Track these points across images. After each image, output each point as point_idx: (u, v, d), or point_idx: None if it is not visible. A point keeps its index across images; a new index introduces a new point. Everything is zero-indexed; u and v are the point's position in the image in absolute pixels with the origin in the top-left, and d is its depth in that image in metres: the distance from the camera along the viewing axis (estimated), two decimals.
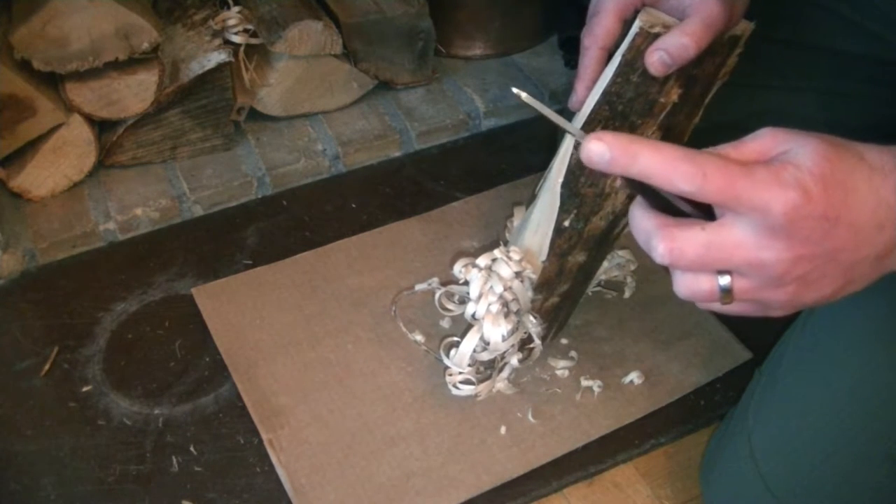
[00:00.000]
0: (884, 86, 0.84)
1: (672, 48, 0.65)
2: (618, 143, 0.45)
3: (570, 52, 1.22)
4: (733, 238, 0.46)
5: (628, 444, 0.82)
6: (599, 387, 0.85)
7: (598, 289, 0.92)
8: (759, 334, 0.86)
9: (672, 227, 0.47)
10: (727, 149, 0.48)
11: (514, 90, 0.52)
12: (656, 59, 0.66)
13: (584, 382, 0.85)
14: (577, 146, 0.74)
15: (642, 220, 0.48)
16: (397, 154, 1.13)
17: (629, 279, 0.92)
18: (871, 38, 0.81)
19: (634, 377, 0.86)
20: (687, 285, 0.49)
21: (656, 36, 0.66)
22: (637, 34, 0.67)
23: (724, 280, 0.48)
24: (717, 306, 0.50)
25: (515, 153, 1.13)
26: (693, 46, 0.64)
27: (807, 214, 0.45)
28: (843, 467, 0.62)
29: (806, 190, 0.44)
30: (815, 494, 0.64)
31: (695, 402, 0.85)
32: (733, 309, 0.50)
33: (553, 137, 0.76)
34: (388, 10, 1.10)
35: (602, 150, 0.45)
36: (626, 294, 0.93)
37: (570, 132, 0.52)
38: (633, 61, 0.68)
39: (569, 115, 0.76)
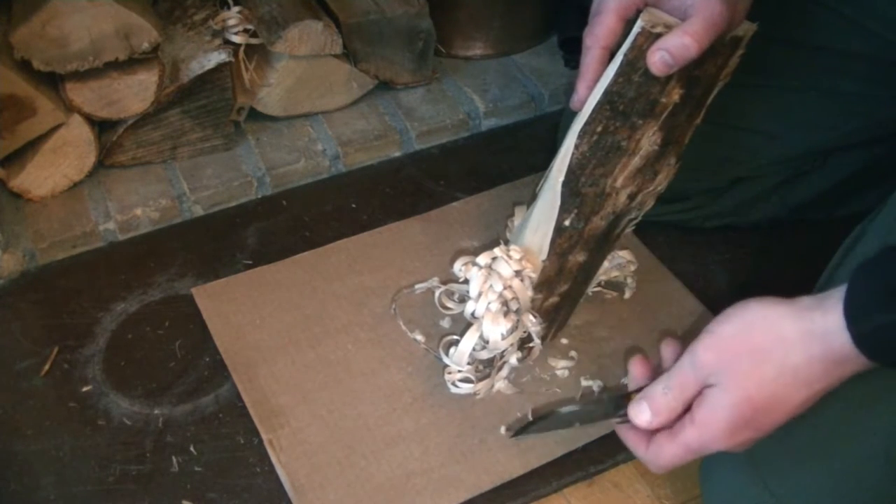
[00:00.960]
0: (884, 86, 0.84)
1: (674, 48, 0.65)
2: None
3: (570, 52, 1.22)
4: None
5: None
6: (599, 387, 0.85)
7: (598, 289, 0.92)
8: None
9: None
10: (679, 382, 0.60)
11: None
12: (658, 59, 0.66)
13: (584, 382, 0.85)
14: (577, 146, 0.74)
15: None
16: (397, 154, 1.14)
17: (629, 279, 0.92)
18: (871, 38, 0.81)
19: None
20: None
21: (658, 36, 0.66)
22: (639, 34, 0.67)
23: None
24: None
25: (515, 153, 1.13)
26: (695, 46, 0.64)
27: (742, 439, 0.58)
28: (842, 467, 0.62)
29: (733, 433, 0.58)
30: (813, 495, 0.64)
31: None
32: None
33: (553, 137, 0.76)
34: (388, 10, 1.10)
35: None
36: (626, 294, 0.93)
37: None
38: (635, 61, 0.68)
39: (570, 114, 0.76)
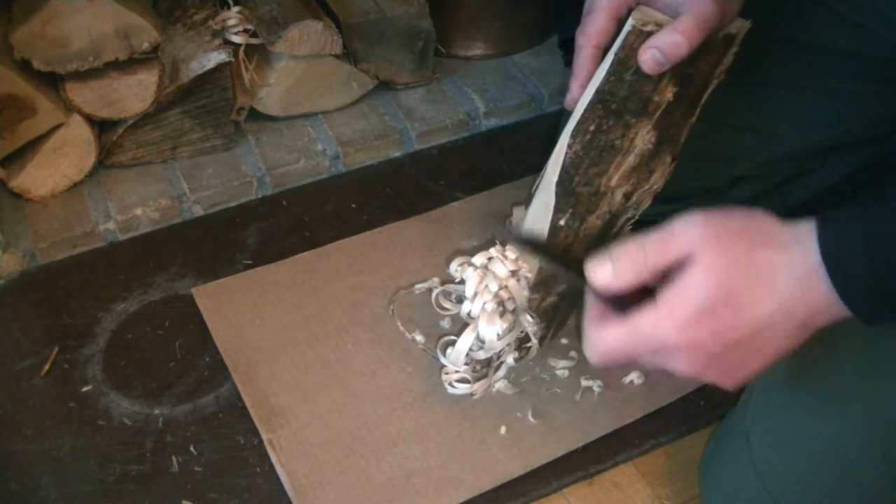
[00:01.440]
0: (884, 85, 0.84)
1: (665, 46, 0.65)
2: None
3: (570, 52, 1.21)
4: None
5: (628, 444, 0.82)
6: (599, 387, 0.85)
7: None
8: None
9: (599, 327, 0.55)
10: (655, 244, 0.53)
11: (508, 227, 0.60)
12: (649, 57, 0.66)
13: (584, 382, 0.85)
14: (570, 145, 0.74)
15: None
16: (397, 154, 1.14)
17: None
18: (870, 38, 0.81)
19: (634, 377, 0.86)
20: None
21: (649, 34, 0.66)
22: (630, 32, 0.67)
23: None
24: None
25: (515, 153, 1.13)
26: (686, 44, 0.64)
27: (697, 341, 0.52)
28: (840, 468, 0.62)
29: (689, 325, 0.51)
30: (812, 495, 0.64)
31: (695, 402, 0.85)
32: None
33: (553, 137, 0.76)
34: (388, 10, 1.10)
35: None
36: None
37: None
38: (626, 60, 0.68)
39: (569, 114, 0.76)
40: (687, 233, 0.52)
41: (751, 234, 0.52)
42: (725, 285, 0.51)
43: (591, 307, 0.57)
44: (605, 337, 0.54)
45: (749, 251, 0.51)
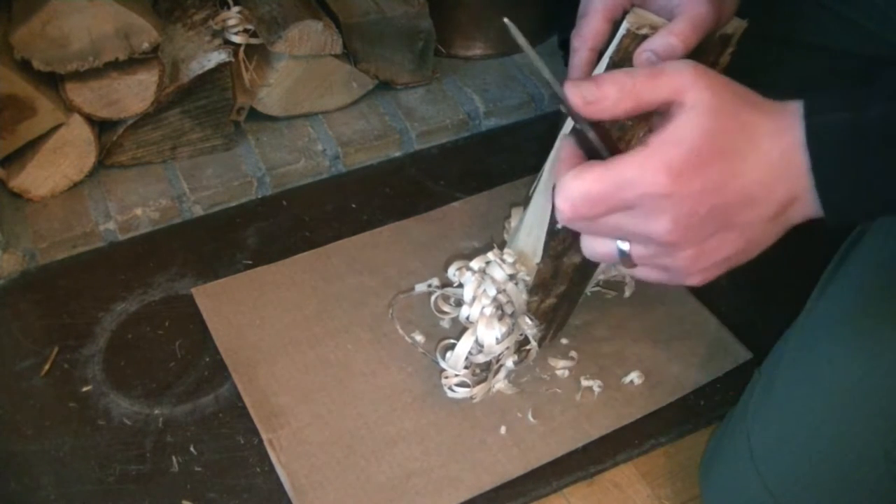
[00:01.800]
0: None
1: (660, 49, 0.65)
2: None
3: (569, 52, 1.22)
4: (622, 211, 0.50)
5: (628, 444, 0.82)
6: (599, 387, 0.85)
7: (597, 289, 0.92)
8: (759, 334, 0.86)
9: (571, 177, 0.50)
10: (644, 76, 0.50)
11: (506, 20, 0.55)
12: (644, 61, 0.66)
13: (584, 382, 0.85)
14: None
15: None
16: (397, 154, 1.14)
17: (629, 279, 0.92)
18: (870, 38, 0.81)
19: (634, 377, 0.86)
20: (589, 245, 0.55)
21: (644, 37, 0.66)
22: (624, 35, 0.67)
23: (624, 245, 0.53)
24: (628, 270, 0.54)
25: (515, 153, 1.13)
26: (681, 47, 0.64)
27: (684, 193, 0.48)
28: (841, 467, 0.62)
29: (680, 172, 0.47)
30: (812, 494, 0.64)
31: (695, 402, 0.85)
32: (641, 273, 0.55)
33: (552, 138, 0.76)
34: (388, 10, 1.10)
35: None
36: (626, 294, 0.93)
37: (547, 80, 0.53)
38: (621, 63, 0.68)
39: (562, 116, 0.76)
40: (679, 73, 0.49)
41: (739, 93, 0.50)
42: (718, 133, 0.48)
43: (565, 148, 0.53)
44: (583, 181, 0.49)
45: (739, 106, 0.49)
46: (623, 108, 0.50)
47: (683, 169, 0.48)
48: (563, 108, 0.51)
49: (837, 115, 0.49)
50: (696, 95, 0.49)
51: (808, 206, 0.51)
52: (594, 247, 0.54)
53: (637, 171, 0.48)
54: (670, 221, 0.49)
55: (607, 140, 0.53)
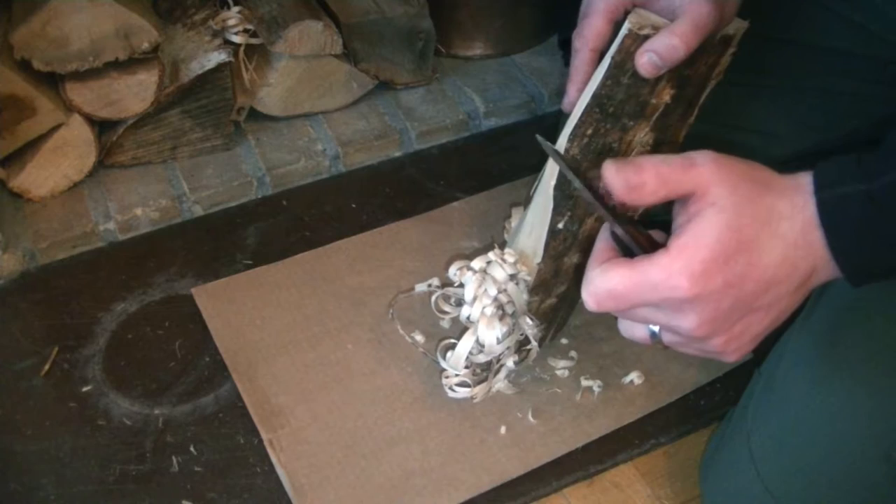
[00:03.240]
0: (884, 85, 0.84)
1: (661, 49, 0.65)
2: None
3: (570, 52, 1.22)
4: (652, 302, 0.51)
5: (628, 444, 0.82)
6: (599, 387, 0.85)
7: None
8: None
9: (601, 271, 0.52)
10: (678, 166, 0.51)
11: (538, 137, 0.58)
12: (646, 61, 0.66)
13: (584, 382, 0.85)
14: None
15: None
16: (397, 154, 1.14)
17: None
18: (870, 38, 0.81)
19: (634, 377, 0.86)
20: (625, 329, 0.56)
21: (645, 37, 0.66)
22: (626, 36, 0.67)
23: (654, 329, 0.54)
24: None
25: (515, 153, 1.13)
26: (683, 47, 0.64)
27: (706, 293, 0.49)
28: (841, 468, 0.62)
29: (702, 273, 0.49)
30: (812, 494, 0.64)
31: (695, 402, 0.85)
32: (679, 350, 0.56)
33: (552, 138, 0.76)
34: (388, 10, 1.10)
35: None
36: None
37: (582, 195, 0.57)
38: (623, 63, 0.68)
39: (565, 117, 0.76)
40: (705, 166, 0.50)
41: (756, 177, 0.51)
42: (738, 228, 0.49)
43: (599, 241, 0.55)
44: (609, 278, 0.50)
45: (756, 193, 0.50)
46: (657, 197, 0.51)
47: (705, 270, 0.49)
48: (589, 208, 0.55)
49: (849, 187, 0.49)
50: (717, 191, 0.50)
51: (828, 272, 0.52)
52: (628, 330, 0.56)
53: (660, 274, 0.49)
54: (695, 320, 0.50)
55: (639, 237, 0.54)
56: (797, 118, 0.88)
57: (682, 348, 0.55)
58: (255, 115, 1.10)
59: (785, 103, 0.88)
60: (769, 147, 0.91)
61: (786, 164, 0.94)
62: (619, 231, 0.54)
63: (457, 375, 0.82)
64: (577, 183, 0.55)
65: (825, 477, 0.63)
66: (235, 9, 1.06)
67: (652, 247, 0.53)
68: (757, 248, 0.50)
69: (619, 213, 0.56)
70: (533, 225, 0.78)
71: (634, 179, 0.50)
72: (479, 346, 0.79)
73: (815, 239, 0.50)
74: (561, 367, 0.86)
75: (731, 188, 0.50)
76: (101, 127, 1.03)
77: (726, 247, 0.49)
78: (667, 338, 0.54)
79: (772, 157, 0.92)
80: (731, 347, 0.53)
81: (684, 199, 0.51)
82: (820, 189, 0.50)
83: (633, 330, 0.55)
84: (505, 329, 0.77)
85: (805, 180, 0.51)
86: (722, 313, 0.50)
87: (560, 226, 0.76)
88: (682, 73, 0.69)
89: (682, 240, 0.49)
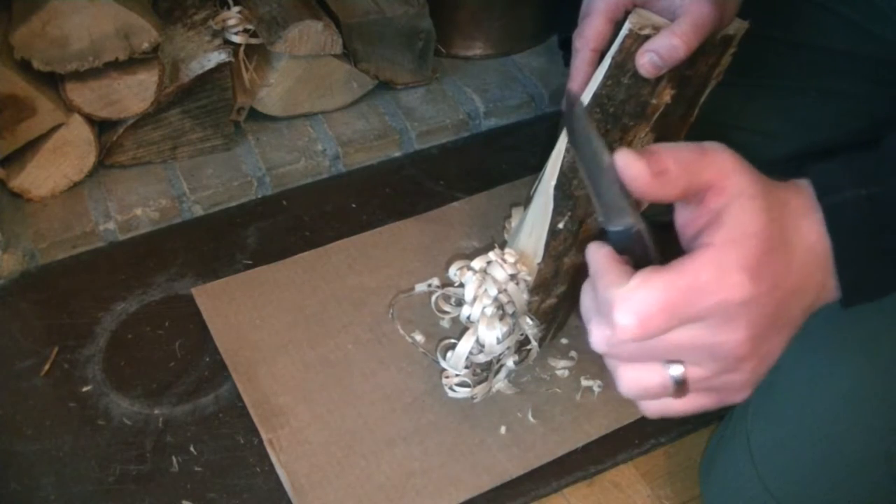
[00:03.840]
0: (884, 86, 0.84)
1: (662, 49, 0.65)
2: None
3: (570, 52, 1.22)
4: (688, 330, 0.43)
5: (628, 444, 0.82)
6: (599, 387, 0.85)
7: None
8: None
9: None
10: (691, 153, 0.45)
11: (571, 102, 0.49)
12: (646, 61, 0.66)
13: (584, 382, 0.85)
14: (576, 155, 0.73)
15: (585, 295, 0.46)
16: (397, 154, 1.14)
17: None
18: (870, 38, 0.81)
19: None
20: (632, 378, 0.45)
21: (646, 38, 0.66)
22: (627, 36, 0.67)
23: (677, 370, 0.45)
24: (665, 405, 0.47)
25: (515, 153, 1.13)
26: (683, 47, 0.64)
27: (759, 293, 0.42)
28: (841, 468, 0.62)
29: (756, 269, 0.42)
30: (812, 495, 0.64)
31: None
32: (683, 406, 0.47)
33: (553, 137, 0.76)
34: (388, 10, 1.10)
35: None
36: None
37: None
38: (624, 63, 0.68)
39: (563, 116, 0.76)
40: (719, 153, 0.45)
41: (760, 174, 0.46)
42: (774, 218, 0.43)
43: (600, 258, 0.45)
44: (652, 289, 0.41)
45: (772, 185, 0.45)
46: (679, 186, 0.44)
47: (759, 263, 0.42)
48: (601, 219, 0.46)
49: (850, 192, 0.46)
50: (740, 179, 0.44)
51: (829, 292, 0.47)
52: (639, 379, 0.45)
53: (714, 272, 0.41)
54: (745, 331, 0.43)
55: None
56: (797, 118, 0.88)
57: (700, 393, 0.46)
58: (255, 115, 1.10)
59: (785, 103, 0.88)
60: (769, 147, 0.91)
61: (786, 164, 0.94)
62: (644, 229, 0.45)
63: (457, 375, 0.82)
64: (605, 158, 0.45)
65: (825, 477, 0.63)
66: (235, 9, 1.06)
67: (662, 255, 0.45)
68: (788, 244, 0.44)
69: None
70: (533, 225, 0.78)
71: (656, 166, 0.43)
72: (480, 345, 0.79)
73: (825, 247, 0.46)
74: (561, 367, 0.86)
75: (751, 175, 0.44)
76: (101, 127, 1.03)
77: (771, 238, 0.43)
78: (693, 373, 0.45)
79: (772, 157, 0.93)
80: (755, 378, 0.47)
81: (697, 196, 0.45)
82: (822, 195, 0.46)
83: (647, 379, 0.45)
84: (505, 329, 0.77)
85: (804, 184, 0.47)
86: (767, 320, 0.44)
87: (560, 226, 0.76)
88: (682, 74, 0.69)
89: (725, 232, 0.42)
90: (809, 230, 0.46)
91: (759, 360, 0.46)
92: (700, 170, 0.44)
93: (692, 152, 0.44)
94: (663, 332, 0.42)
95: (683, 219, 0.47)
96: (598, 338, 0.44)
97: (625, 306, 0.42)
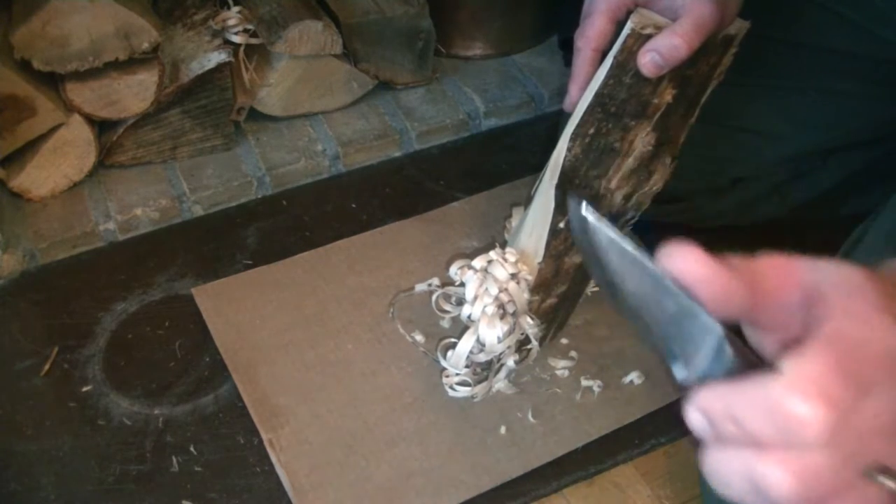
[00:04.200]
0: (884, 86, 0.84)
1: (664, 49, 0.65)
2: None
3: (570, 52, 1.21)
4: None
5: (628, 444, 0.82)
6: (599, 387, 0.85)
7: (597, 289, 0.92)
8: None
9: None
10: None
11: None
12: (648, 61, 0.66)
13: (584, 382, 0.85)
14: (570, 148, 0.73)
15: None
16: (397, 154, 1.13)
17: None
18: (870, 38, 0.81)
19: (634, 377, 0.86)
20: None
21: (648, 37, 0.66)
22: (628, 35, 0.67)
23: (889, 480, 0.32)
24: None
25: (515, 153, 1.13)
26: (685, 47, 0.64)
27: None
28: None
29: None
30: None
31: None
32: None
33: (552, 138, 0.76)
34: (388, 10, 1.10)
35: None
36: None
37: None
38: (625, 63, 0.68)
39: (568, 115, 0.76)
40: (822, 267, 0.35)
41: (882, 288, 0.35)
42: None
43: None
44: (812, 359, 0.31)
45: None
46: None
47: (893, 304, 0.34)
48: (678, 362, 0.36)
49: None
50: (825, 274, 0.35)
51: None
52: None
53: (854, 324, 0.33)
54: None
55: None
56: (797, 118, 0.88)
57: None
58: (255, 115, 1.10)
59: (785, 103, 0.88)
60: (769, 147, 0.91)
61: (786, 164, 0.95)
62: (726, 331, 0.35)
63: (457, 374, 0.82)
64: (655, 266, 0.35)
65: None
66: (235, 9, 1.06)
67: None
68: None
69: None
70: (534, 224, 0.78)
71: (720, 263, 0.35)
72: (480, 345, 0.79)
73: None
74: (561, 367, 0.86)
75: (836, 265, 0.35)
76: (101, 127, 1.03)
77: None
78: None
79: (772, 157, 0.93)
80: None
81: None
82: None
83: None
84: (506, 328, 0.77)
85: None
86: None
87: (561, 225, 0.76)
88: (683, 73, 0.69)
89: (832, 302, 0.34)
90: None
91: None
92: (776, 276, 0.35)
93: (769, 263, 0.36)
94: (858, 399, 0.31)
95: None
96: (782, 475, 0.31)
97: (796, 392, 0.31)
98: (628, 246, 0.35)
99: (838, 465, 0.31)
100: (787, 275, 0.35)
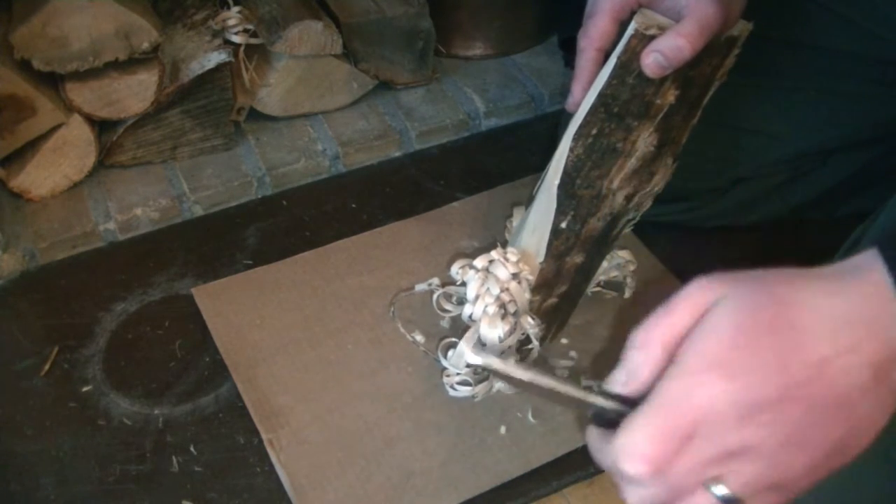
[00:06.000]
0: (884, 86, 0.84)
1: (667, 50, 0.65)
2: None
3: (571, 52, 1.21)
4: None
5: None
6: (599, 386, 0.85)
7: (597, 289, 0.92)
8: None
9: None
10: (660, 317, 0.48)
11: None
12: (651, 61, 0.66)
13: (584, 382, 0.85)
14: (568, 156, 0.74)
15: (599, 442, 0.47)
16: (397, 154, 1.13)
17: (629, 279, 0.92)
18: (871, 38, 0.81)
19: None
20: None
21: (651, 38, 0.66)
22: (632, 36, 0.67)
23: (719, 489, 0.44)
24: None
25: (515, 153, 1.13)
26: (688, 48, 0.64)
27: (743, 384, 0.42)
28: (843, 469, 0.62)
29: (727, 365, 0.42)
30: (812, 494, 0.63)
31: None
32: None
33: (553, 138, 0.76)
34: (388, 10, 1.10)
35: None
36: (626, 294, 0.93)
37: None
38: (629, 63, 0.68)
39: (569, 115, 0.76)
40: (711, 289, 0.46)
41: (772, 280, 0.45)
42: (759, 316, 0.43)
43: (594, 440, 0.48)
44: (635, 431, 0.43)
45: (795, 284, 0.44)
46: (657, 364, 0.48)
47: (730, 359, 0.43)
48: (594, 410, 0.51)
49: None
50: (726, 296, 0.47)
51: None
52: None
53: (679, 386, 0.43)
54: (747, 420, 0.42)
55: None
56: (798, 118, 0.88)
57: (764, 491, 0.46)
58: (255, 115, 1.10)
59: (786, 104, 0.88)
60: (770, 148, 0.91)
61: (787, 164, 0.94)
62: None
63: (458, 374, 0.82)
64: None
65: (826, 478, 0.63)
66: (235, 9, 1.06)
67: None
68: (794, 324, 0.44)
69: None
70: (535, 224, 0.78)
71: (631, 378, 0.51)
72: (481, 344, 0.79)
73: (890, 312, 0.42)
74: (561, 367, 0.86)
75: (742, 289, 0.48)
76: (101, 127, 1.03)
77: (752, 327, 0.44)
78: (739, 482, 0.44)
79: (773, 158, 0.93)
80: (809, 457, 0.48)
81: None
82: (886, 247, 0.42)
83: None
84: (507, 328, 0.77)
85: (864, 259, 0.43)
86: (772, 404, 0.44)
87: (563, 225, 0.76)
88: (686, 75, 0.69)
89: (684, 348, 0.46)
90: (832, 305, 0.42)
91: (797, 442, 0.44)
92: (673, 323, 0.47)
93: (658, 319, 0.48)
94: (675, 455, 0.42)
95: None
96: (634, 499, 0.45)
97: (625, 457, 0.43)
98: (515, 372, 0.51)
99: (668, 493, 0.43)
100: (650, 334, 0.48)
